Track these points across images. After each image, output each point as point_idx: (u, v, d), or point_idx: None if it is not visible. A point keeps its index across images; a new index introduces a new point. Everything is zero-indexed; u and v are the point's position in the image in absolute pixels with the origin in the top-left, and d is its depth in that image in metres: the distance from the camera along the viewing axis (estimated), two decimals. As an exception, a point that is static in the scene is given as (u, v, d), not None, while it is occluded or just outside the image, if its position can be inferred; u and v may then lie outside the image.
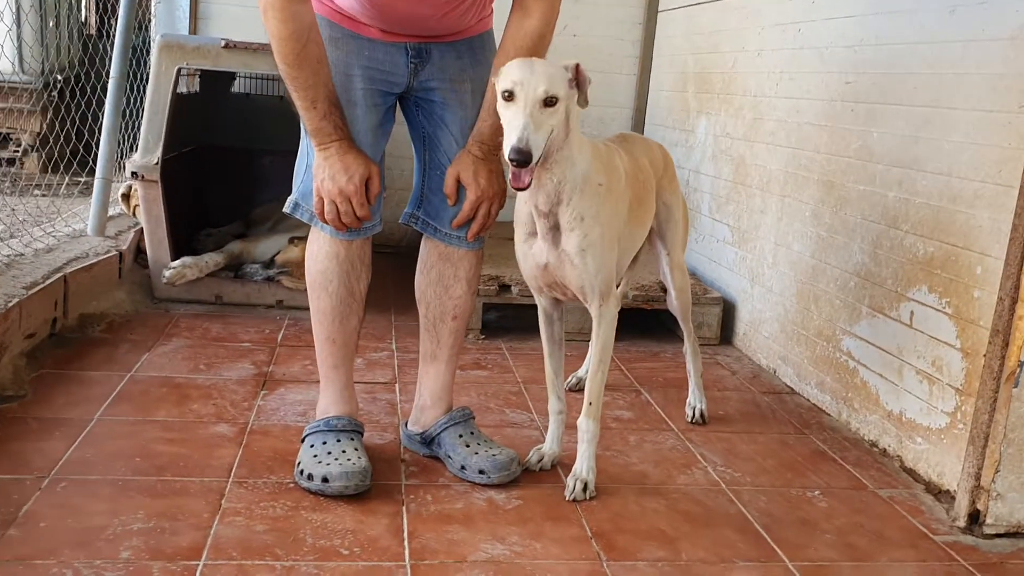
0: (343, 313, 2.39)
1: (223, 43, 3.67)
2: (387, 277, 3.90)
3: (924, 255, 2.66)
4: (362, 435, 2.45)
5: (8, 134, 7.01)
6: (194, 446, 2.48)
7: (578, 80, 2.16)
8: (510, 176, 2.09)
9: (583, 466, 2.40)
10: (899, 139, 2.79)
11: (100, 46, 5.57)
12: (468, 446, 2.44)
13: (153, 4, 4.78)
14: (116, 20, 4.08)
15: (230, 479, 2.31)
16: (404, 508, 2.25)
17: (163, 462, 2.37)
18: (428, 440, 2.52)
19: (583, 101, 2.19)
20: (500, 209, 2.38)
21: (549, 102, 2.06)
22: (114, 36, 4.08)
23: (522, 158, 2.01)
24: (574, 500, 2.35)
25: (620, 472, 2.55)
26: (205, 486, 2.26)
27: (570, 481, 2.38)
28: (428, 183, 2.41)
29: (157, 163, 3.65)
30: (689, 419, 2.95)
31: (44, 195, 5.55)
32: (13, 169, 6.67)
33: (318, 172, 2.22)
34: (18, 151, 7.04)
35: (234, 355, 3.26)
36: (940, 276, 2.59)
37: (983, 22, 2.47)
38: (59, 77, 7.09)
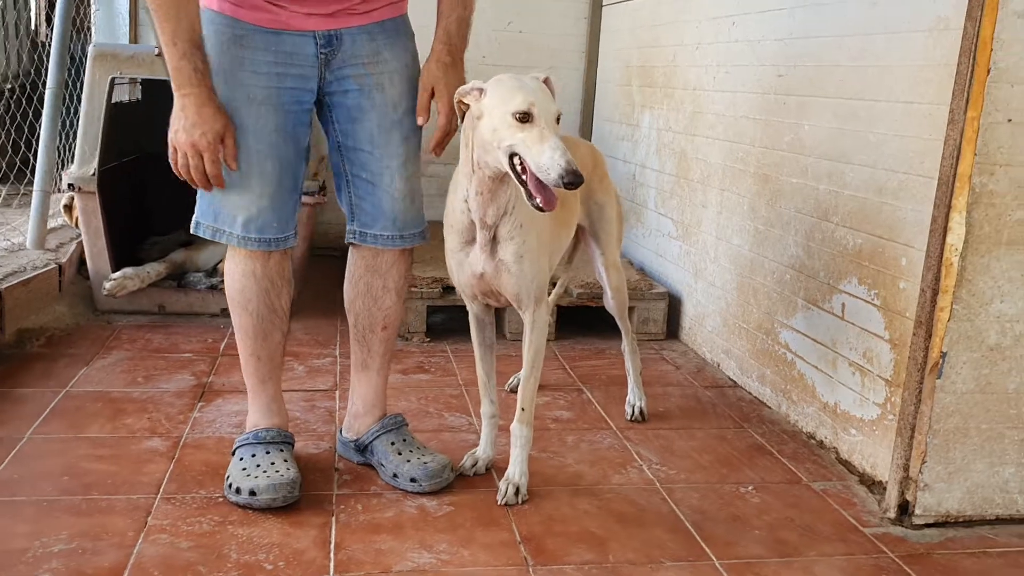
0: (265, 330, 2.37)
1: (157, 51, 3.63)
2: (334, 281, 3.87)
3: (853, 247, 2.67)
4: (292, 446, 2.44)
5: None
6: (124, 462, 2.46)
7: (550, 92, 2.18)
8: (539, 200, 2.04)
9: (516, 471, 2.40)
10: (828, 132, 2.80)
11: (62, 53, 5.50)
12: (400, 454, 2.43)
13: (92, 12, 4.73)
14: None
15: (158, 495, 2.29)
16: (334, 519, 2.23)
17: (91, 480, 2.35)
18: (361, 447, 2.51)
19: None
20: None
21: (558, 119, 2.09)
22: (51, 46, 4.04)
23: (578, 180, 1.97)
24: (506, 504, 2.34)
25: (555, 473, 2.55)
26: (132, 503, 2.24)
27: (502, 485, 2.38)
28: (355, 191, 2.36)
29: (94, 174, 3.61)
30: (629, 417, 2.95)
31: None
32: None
33: (174, 120, 2.12)
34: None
35: (174, 366, 3.23)
36: (868, 268, 2.60)
37: (902, 14, 2.48)
38: (8, 86, 7.02)
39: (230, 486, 2.28)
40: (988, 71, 2.08)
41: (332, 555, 2.07)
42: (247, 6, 2.16)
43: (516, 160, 2.06)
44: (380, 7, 2.28)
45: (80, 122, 3.68)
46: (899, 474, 2.35)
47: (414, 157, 2.35)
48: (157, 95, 4.54)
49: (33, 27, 7.96)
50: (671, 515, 2.35)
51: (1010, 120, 2.11)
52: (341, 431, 2.60)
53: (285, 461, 2.33)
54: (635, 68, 4.46)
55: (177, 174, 2.17)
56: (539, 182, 2.03)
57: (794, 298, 2.98)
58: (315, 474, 2.45)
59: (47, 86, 3.98)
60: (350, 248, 2.45)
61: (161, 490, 2.32)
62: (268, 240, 2.27)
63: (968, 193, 2.14)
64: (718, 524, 2.32)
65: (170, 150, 2.15)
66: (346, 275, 2.47)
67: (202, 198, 2.25)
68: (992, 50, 2.06)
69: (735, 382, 3.37)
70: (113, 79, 3.62)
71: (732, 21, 3.43)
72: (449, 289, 3.65)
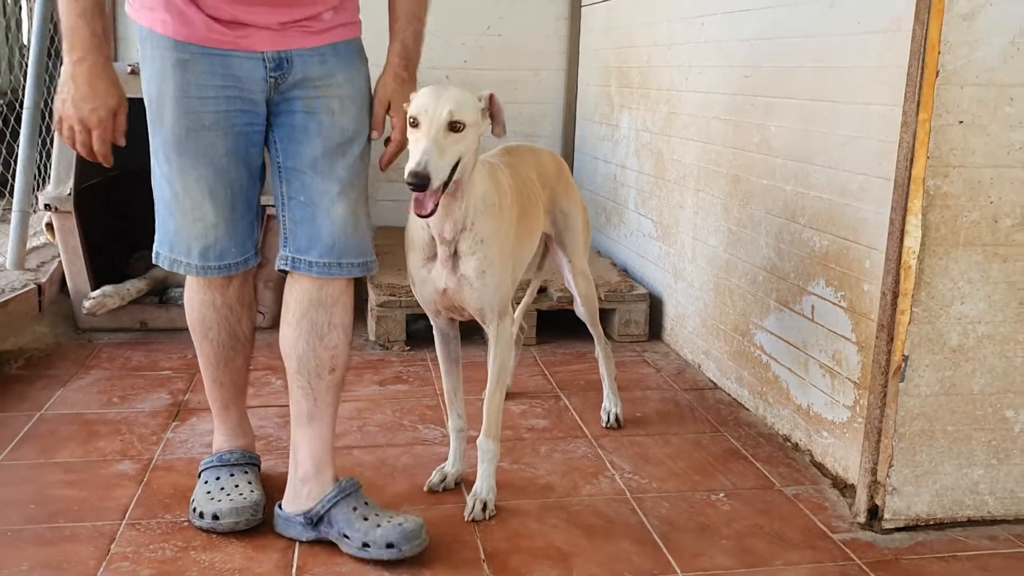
0: (227, 356, 2.33)
1: (129, 69, 3.63)
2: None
3: (820, 249, 2.65)
4: (258, 467, 2.43)
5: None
6: (92, 488, 2.46)
7: (492, 110, 2.16)
8: (412, 202, 2.05)
9: (483, 486, 2.39)
10: (794, 133, 2.79)
11: (48, 70, 5.53)
12: (367, 519, 2.15)
13: (71, 28, 4.72)
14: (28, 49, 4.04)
15: (123, 521, 2.29)
16: (297, 542, 2.22)
17: (58, 507, 2.35)
18: (315, 519, 2.18)
19: (500, 130, 2.18)
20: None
21: (455, 127, 2.04)
22: (27, 65, 4.04)
23: (419, 181, 1.97)
24: (473, 520, 2.34)
25: (526, 486, 2.54)
26: (96, 530, 2.24)
27: (469, 501, 2.37)
28: (290, 215, 2.17)
29: (70, 194, 3.62)
30: (604, 424, 2.94)
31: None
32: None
33: (61, 88, 1.97)
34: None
35: (151, 385, 3.24)
36: (835, 270, 2.58)
37: (858, 15, 2.46)
38: (2, 103, 7.05)
39: (194, 510, 2.27)
40: (937, 73, 2.06)
41: (294, 573, 2.08)
42: (191, 26, 2.03)
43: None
44: (333, 27, 2.17)
45: (55, 142, 3.68)
46: (867, 478, 2.34)
47: (360, 183, 2.19)
48: (133, 113, 4.59)
49: (24, 42, 8.01)
50: (639, 526, 2.34)
51: (961, 122, 2.09)
52: (280, 506, 2.25)
53: (249, 483, 2.31)
54: (613, 68, 4.45)
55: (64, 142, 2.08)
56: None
57: (767, 299, 2.96)
58: (282, 494, 2.44)
59: (24, 105, 3.99)
60: (287, 283, 2.24)
61: (127, 516, 2.32)
62: (228, 266, 2.21)
63: (923, 195, 2.12)
64: (686, 534, 2.31)
65: (55, 118, 2.01)
66: (283, 313, 2.24)
67: (159, 228, 2.19)
68: (940, 52, 2.05)
69: (715, 384, 3.35)
70: (85, 99, 3.61)
71: (702, 22, 3.41)
72: (427, 298, 3.65)
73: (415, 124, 2.05)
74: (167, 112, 2.06)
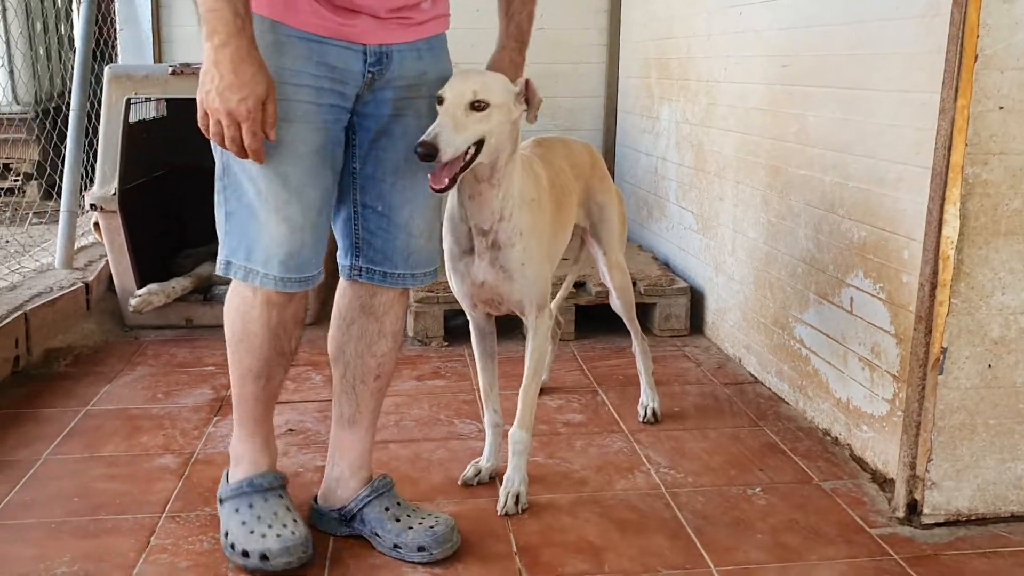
0: (270, 374, 2.11)
1: (171, 70, 3.69)
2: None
3: (858, 240, 2.61)
4: (287, 487, 2.21)
5: (7, 164, 7.13)
6: (135, 481, 2.50)
7: (527, 96, 2.14)
8: (430, 176, 2.03)
9: (515, 477, 2.39)
10: (832, 122, 2.75)
11: (95, 72, 5.66)
12: (398, 520, 2.15)
13: (117, 32, 4.82)
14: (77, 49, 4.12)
15: (163, 514, 2.33)
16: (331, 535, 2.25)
17: (101, 500, 2.39)
18: (348, 517, 2.20)
19: (532, 117, 2.16)
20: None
21: (477, 106, 2.03)
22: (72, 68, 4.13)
23: (426, 151, 1.93)
24: (506, 515, 2.34)
25: (560, 480, 2.54)
26: (137, 523, 2.28)
27: (502, 495, 2.37)
28: (364, 224, 2.07)
29: (114, 193, 3.68)
30: (641, 419, 2.93)
31: (43, 223, 5.65)
32: (14, 198, 6.80)
33: (205, 78, 1.76)
34: (18, 180, 7.15)
35: (195, 380, 3.28)
36: (873, 261, 2.54)
37: (894, 1, 2.41)
38: (52, 104, 7.20)
39: (233, 546, 2.08)
40: (976, 58, 2.01)
41: (327, 566, 2.09)
42: (294, 8, 1.86)
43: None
44: (431, 19, 2.03)
45: (99, 142, 3.74)
46: (906, 472, 2.30)
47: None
48: (181, 111, 4.66)
49: (74, 47, 8.18)
50: (673, 521, 2.33)
51: (1001, 107, 2.04)
52: (316, 500, 2.28)
53: (288, 510, 2.13)
54: (653, 60, 4.42)
55: (208, 138, 1.84)
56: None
57: (806, 292, 2.93)
58: (319, 486, 2.43)
59: (71, 108, 4.07)
60: (341, 286, 2.19)
61: (167, 509, 2.36)
62: (307, 279, 2.00)
63: (961, 184, 2.08)
64: (720, 529, 2.29)
65: (199, 112, 1.79)
66: (333, 317, 2.20)
67: (230, 233, 1.97)
68: (979, 36, 2.00)
69: (755, 378, 3.32)
70: (129, 99, 3.68)
71: (740, 12, 3.38)
72: (467, 293, 3.66)
73: (440, 103, 2.03)
74: None
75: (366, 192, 2.06)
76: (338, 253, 2.16)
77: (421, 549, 2.10)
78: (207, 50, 1.75)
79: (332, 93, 1.92)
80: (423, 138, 1.94)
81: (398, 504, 2.20)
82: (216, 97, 1.74)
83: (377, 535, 2.15)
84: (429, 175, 2.03)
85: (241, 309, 2.04)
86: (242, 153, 1.79)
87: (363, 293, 2.14)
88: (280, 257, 1.93)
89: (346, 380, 2.20)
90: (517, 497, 2.36)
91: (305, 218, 1.94)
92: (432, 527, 2.12)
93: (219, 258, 2.00)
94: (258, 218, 1.92)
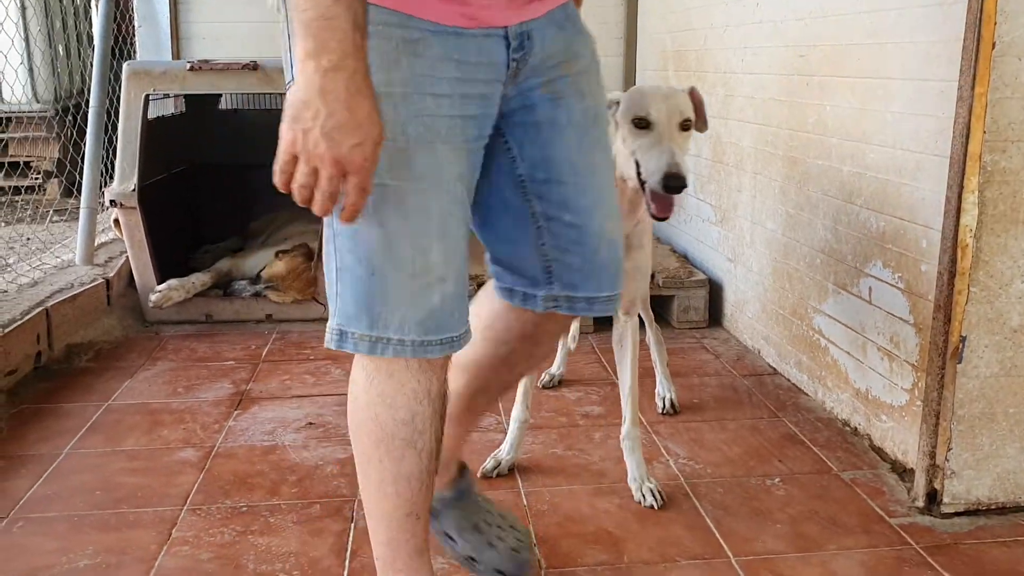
0: (432, 471, 1.60)
1: (189, 66, 3.71)
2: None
3: (877, 230, 2.60)
4: None
5: (28, 162, 7.19)
6: (156, 475, 2.52)
7: (695, 103, 2.14)
8: (653, 206, 2.01)
9: (644, 474, 2.41)
10: (849, 112, 2.73)
11: (114, 70, 5.72)
12: (478, 531, 1.93)
13: (136, 29, 4.85)
14: (93, 47, 4.15)
15: (185, 507, 2.35)
16: (353, 525, 2.26)
17: (122, 494, 2.41)
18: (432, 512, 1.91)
19: (703, 125, 2.16)
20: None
21: (685, 125, 2.04)
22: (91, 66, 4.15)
23: (680, 184, 1.91)
24: (651, 507, 2.33)
25: (579, 472, 2.54)
26: (159, 516, 2.30)
27: (641, 491, 2.37)
28: (554, 240, 1.62)
29: (134, 190, 3.70)
30: (660, 410, 2.93)
31: (64, 220, 5.70)
32: (35, 196, 6.87)
33: (303, 111, 1.27)
34: (39, 178, 7.22)
35: (215, 375, 3.30)
36: (892, 251, 2.53)
37: (912, -12, 2.40)
38: (72, 102, 7.27)
39: None
40: (993, 45, 2.00)
41: (347, 562, 2.10)
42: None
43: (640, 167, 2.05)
44: None
45: (119, 139, 3.77)
46: (926, 461, 2.29)
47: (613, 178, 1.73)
48: (201, 107, 4.70)
49: (92, 45, 8.24)
50: (692, 511, 2.33)
51: (1019, 95, 2.03)
52: None
53: None
54: (670, 52, 4.40)
55: (285, 191, 1.34)
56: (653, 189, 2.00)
57: (825, 282, 2.92)
58: (339, 479, 2.48)
59: (90, 105, 4.09)
60: (495, 302, 1.74)
61: (188, 501, 2.38)
62: (454, 340, 1.51)
63: (980, 172, 2.07)
64: (739, 519, 2.29)
65: (282, 156, 1.31)
66: (483, 332, 1.73)
67: (344, 295, 1.49)
68: (996, 23, 1.99)
69: (775, 369, 3.31)
70: (147, 96, 3.71)
71: (756, 2, 3.36)
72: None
73: (644, 125, 2.01)
74: (386, 116, 1.35)
75: (548, 201, 1.61)
76: (503, 283, 1.72)
77: (499, 572, 1.92)
78: (307, 73, 1.26)
79: (473, 101, 1.48)
80: (673, 169, 1.91)
81: (477, 507, 1.97)
82: (321, 139, 1.27)
83: (452, 540, 1.95)
84: (652, 203, 2.01)
85: (384, 389, 1.53)
86: (326, 211, 1.33)
87: (529, 320, 1.70)
88: (418, 318, 1.46)
89: (467, 389, 1.83)
90: (652, 490, 2.36)
91: (448, 265, 1.47)
92: (515, 550, 1.93)
93: (330, 326, 1.51)
94: (384, 272, 1.45)
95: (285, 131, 1.30)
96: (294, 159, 1.31)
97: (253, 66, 3.65)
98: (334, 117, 1.27)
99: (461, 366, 1.77)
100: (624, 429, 2.42)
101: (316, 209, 1.33)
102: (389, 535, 1.63)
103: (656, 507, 2.33)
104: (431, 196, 1.45)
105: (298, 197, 1.33)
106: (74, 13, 7.58)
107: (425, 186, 1.44)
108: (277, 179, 1.33)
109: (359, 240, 1.46)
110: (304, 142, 1.28)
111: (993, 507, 2.29)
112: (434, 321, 1.47)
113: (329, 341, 1.51)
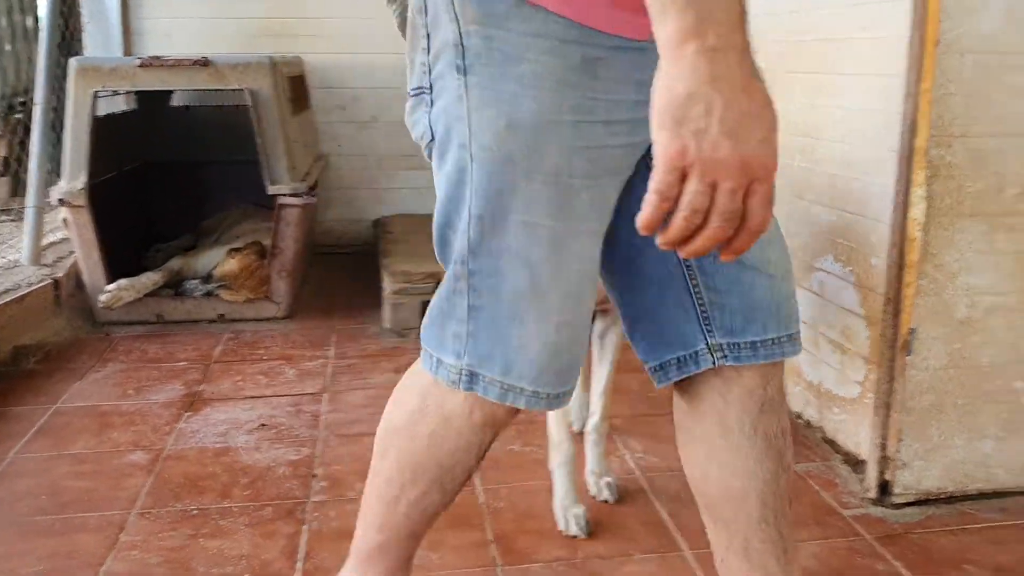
0: (447, 504, 1.52)
1: (139, 62, 3.66)
2: (333, 281, 3.90)
3: (827, 224, 2.62)
4: None
5: (-26, 161, 7.06)
6: (104, 478, 2.48)
7: None
8: None
9: (604, 467, 2.42)
10: (800, 107, 2.75)
11: (62, 66, 5.61)
12: None
13: (84, 24, 4.77)
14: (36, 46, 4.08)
15: (134, 510, 2.31)
16: (306, 527, 2.24)
17: (69, 498, 2.37)
18: None
19: None
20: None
21: None
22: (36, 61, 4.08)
23: None
24: (604, 500, 2.34)
25: (536, 468, 2.53)
26: (106, 520, 2.27)
27: (600, 486, 2.38)
28: (707, 283, 1.36)
29: (82, 188, 3.64)
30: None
31: (11, 220, 5.60)
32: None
33: (689, 108, 0.97)
34: (-15, 177, 7.08)
35: (167, 376, 3.26)
36: (842, 245, 2.55)
37: (860, -16, 2.42)
38: (19, 100, 7.13)
39: None
40: (937, 42, 2.02)
41: (300, 564, 2.08)
42: (602, 5, 1.19)
43: None
44: None
45: (66, 137, 3.70)
46: (877, 453, 2.32)
47: None
48: (152, 104, 4.63)
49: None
50: (647, 506, 2.33)
51: (962, 91, 2.05)
52: None
53: None
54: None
55: (653, 229, 1.01)
56: None
57: (777, 277, 2.93)
58: (292, 481, 2.46)
59: (35, 101, 4.01)
60: (690, 402, 1.49)
61: (137, 505, 2.34)
62: (568, 393, 1.38)
63: (926, 166, 2.09)
64: (694, 513, 2.23)
65: (666, 177, 0.98)
66: (698, 447, 1.50)
67: (477, 337, 1.32)
68: (940, 21, 2.01)
69: (728, 363, 3.33)
70: (96, 93, 3.64)
71: (708, -3, 3.37)
72: (440, 284, 3.65)
73: None
74: (551, 146, 1.20)
75: None
76: (652, 358, 1.48)
77: None
78: (687, 58, 0.97)
79: (646, 125, 1.05)
80: None
81: None
82: (723, 139, 0.97)
83: None
84: None
85: (436, 431, 1.41)
86: (716, 242, 1.01)
87: (753, 384, 1.39)
88: (556, 368, 1.32)
89: (765, 522, 1.46)
90: (608, 484, 2.37)
91: (586, 311, 1.34)
92: None
93: (453, 364, 1.34)
94: (525, 318, 1.29)
95: (668, 142, 0.98)
96: (683, 176, 0.98)
97: (204, 62, 3.60)
98: (733, 108, 0.97)
99: (716, 496, 1.49)
100: (592, 422, 2.41)
101: (701, 244, 1.01)
102: (383, 549, 1.56)
103: (611, 502, 2.33)
104: (587, 240, 1.28)
105: (681, 232, 1.00)
106: (21, 9, 7.43)
107: (583, 227, 1.27)
108: (650, 212, 0.99)
109: (502, 280, 1.28)
110: (699, 148, 0.97)
111: (942, 496, 2.32)
112: (569, 371, 1.34)
113: (457, 382, 1.34)
